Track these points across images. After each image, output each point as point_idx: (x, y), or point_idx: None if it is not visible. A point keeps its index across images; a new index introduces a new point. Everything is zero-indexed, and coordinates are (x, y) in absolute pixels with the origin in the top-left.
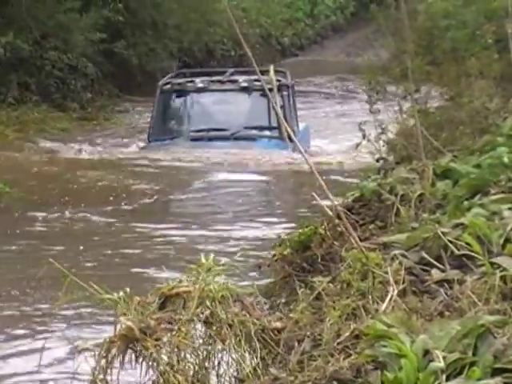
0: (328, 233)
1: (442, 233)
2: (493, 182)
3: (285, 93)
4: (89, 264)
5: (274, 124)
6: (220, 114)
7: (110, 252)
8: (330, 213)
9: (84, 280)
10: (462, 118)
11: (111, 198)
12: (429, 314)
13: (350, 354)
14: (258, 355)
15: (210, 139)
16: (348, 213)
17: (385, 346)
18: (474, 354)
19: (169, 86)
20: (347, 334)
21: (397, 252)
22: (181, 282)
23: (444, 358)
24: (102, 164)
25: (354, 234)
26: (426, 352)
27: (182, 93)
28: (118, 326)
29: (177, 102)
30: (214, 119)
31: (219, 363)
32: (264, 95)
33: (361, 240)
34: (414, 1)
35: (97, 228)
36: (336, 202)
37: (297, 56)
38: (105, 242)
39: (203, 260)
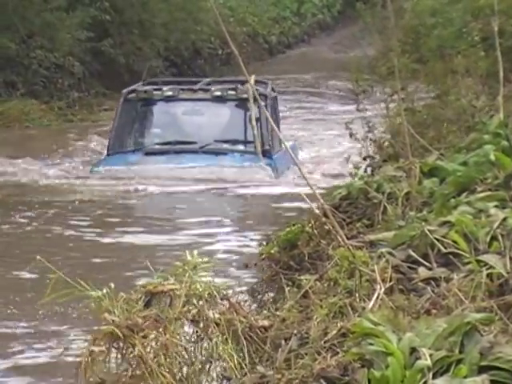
0: (315, 231)
1: (429, 231)
2: (479, 180)
3: (262, 103)
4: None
5: (251, 138)
6: (189, 126)
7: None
8: (317, 211)
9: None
10: (448, 116)
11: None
12: (415, 311)
13: (337, 352)
14: (245, 353)
15: (177, 152)
16: (335, 211)
17: (372, 344)
18: (460, 352)
19: (133, 94)
20: (334, 332)
21: (384, 250)
22: (166, 279)
23: (431, 355)
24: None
25: (340, 233)
26: (413, 350)
27: (148, 102)
28: (103, 323)
29: (142, 112)
30: (181, 131)
31: (206, 361)
32: (240, 106)
33: (348, 238)
34: None
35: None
36: (322, 201)
37: (284, 53)
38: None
39: (188, 257)
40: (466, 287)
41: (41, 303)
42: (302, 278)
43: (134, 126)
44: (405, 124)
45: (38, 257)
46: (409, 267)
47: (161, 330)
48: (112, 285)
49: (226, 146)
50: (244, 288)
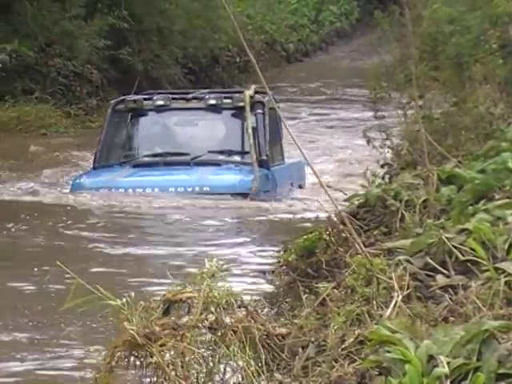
0: (333, 238)
1: (447, 238)
2: (497, 188)
3: (259, 111)
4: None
5: (248, 148)
6: (182, 137)
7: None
8: (335, 218)
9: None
10: (466, 124)
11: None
12: (433, 319)
13: (355, 360)
14: (263, 361)
15: (167, 164)
16: (352, 218)
17: (389, 352)
18: (478, 360)
19: (122, 104)
20: (352, 339)
21: (401, 258)
22: (185, 287)
23: (448, 363)
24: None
25: (358, 240)
26: (431, 357)
27: (137, 112)
28: (122, 332)
29: (131, 123)
30: (173, 142)
31: (224, 369)
32: (236, 115)
33: (365, 246)
34: (419, 6)
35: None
36: (340, 208)
37: (301, 61)
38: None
39: (207, 265)
40: (483, 295)
41: (61, 310)
42: (319, 285)
43: (122, 138)
44: (422, 131)
45: (58, 262)
46: (426, 275)
47: (178, 337)
48: (132, 293)
49: (220, 157)
50: (261, 295)
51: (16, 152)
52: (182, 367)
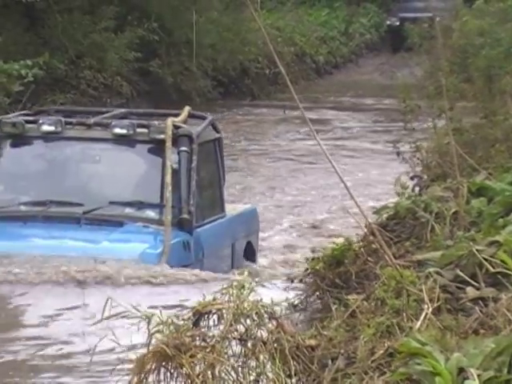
0: (362, 250)
1: (477, 250)
2: None
3: (183, 149)
4: None
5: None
6: (74, 179)
7: None
8: (365, 230)
9: None
10: (496, 136)
11: None
12: (463, 331)
13: (385, 372)
14: (292, 372)
15: (48, 219)
16: (382, 230)
17: (419, 364)
18: (508, 372)
19: None
20: (381, 351)
21: (431, 270)
22: (215, 299)
23: (479, 375)
24: None
25: (388, 252)
26: (461, 370)
27: (17, 140)
28: (152, 343)
29: (7, 155)
30: (62, 186)
31: (254, 381)
32: (153, 152)
33: (395, 257)
34: (449, 19)
35: None
36: (370, 220)
37: (331, 73)
38: None
39: (236, 277)
40: None
41: (96, 322)
42: (349, 297)
43: None
44: (453, 144)
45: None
46: (457, 287)
47: (208, 349)
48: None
49: (127, 211)
50: (290, 304)
51: None
52: (213, 378)
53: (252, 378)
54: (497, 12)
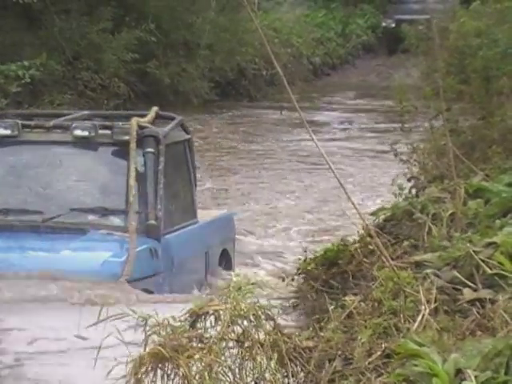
0: (359, 251)
1: (474, 252)
2: None
3: (149, 150)
4: None
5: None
6: (33, 184)
7: None
8: (362, 231)
9: None
10: (493, 137)
11: None
12: (461, 333)
13: (382, 373)
14: (290, 374)
15: (5, 228)
16: (379, 231)
17: (416, 365)
18: (506, 373)
19: None
20: (378, 352)
21: (428, 271)
22: (211, 300)
23: (476, 377)
24: None
25: (385, 253)
26: (458, 371)
27: None
28: (149, 344)
29: None
30: (19, 192)
31: (251, 382)
32: (117, 154)
33: (392, 259)
34: (445, 20)
35: None
36: (367, 221)
37: (328, 74)
38: None
39: (234, 278)
40: (511, 308)
41: (91, 325)
42: (346, 298)
43: None
44: (450, 145)
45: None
46: (454, 288)
47: (205, 350)
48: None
49: (90, 218)
50: (286, 305)
51: None
52: (210, 379)
53: (249, 379)
54: (494, 13)
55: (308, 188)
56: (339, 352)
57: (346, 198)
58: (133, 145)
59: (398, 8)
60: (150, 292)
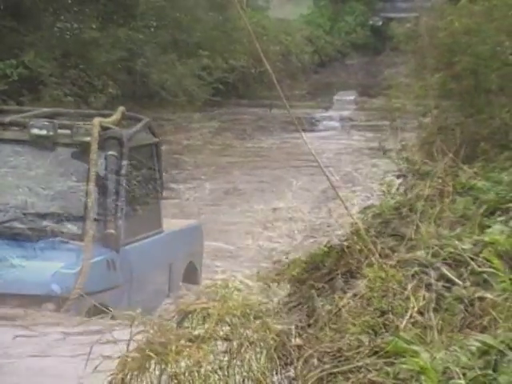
0: (347, 250)
1: (463, 249)
2: None
3: (112, 153)
4: None
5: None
6: None
7: None
8: (350, 230)
9: None
10: (482, 135)
11: None
12: (449, 330)
13: (370, 371)
14: (279, 372)
15: None
16: (368, 229)
17: (405, 363)
18: (494, 371)
19: None
20: (367, 350)
21: (417, 269)
22: (199, 298)
23: (464, 374)
24: None
25: (373, 251)
26: (446, 369)
27: None
28: (137, 340)
29: None
30: None
31: (239, 379)
32: (77, 156)
33: (380, 257)
34: (435, 17)
35: None
36: (356, 219)
37: (317, 72)
38: None
39: (221, 276)
40: (500, 306)
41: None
42: (335, 296)
43: None
44: (438, 142)
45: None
46: (442, 286)
47: (194, 348)
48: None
49: (44, 223)
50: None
51: None
52: (199, 377)
53: (238, 377)
54: (482, 10)
55: (298, 186)
56: (328, 350)
57: (337, 197)
58: (94, 146)
59: (384, 6)
60: (106, 307)
